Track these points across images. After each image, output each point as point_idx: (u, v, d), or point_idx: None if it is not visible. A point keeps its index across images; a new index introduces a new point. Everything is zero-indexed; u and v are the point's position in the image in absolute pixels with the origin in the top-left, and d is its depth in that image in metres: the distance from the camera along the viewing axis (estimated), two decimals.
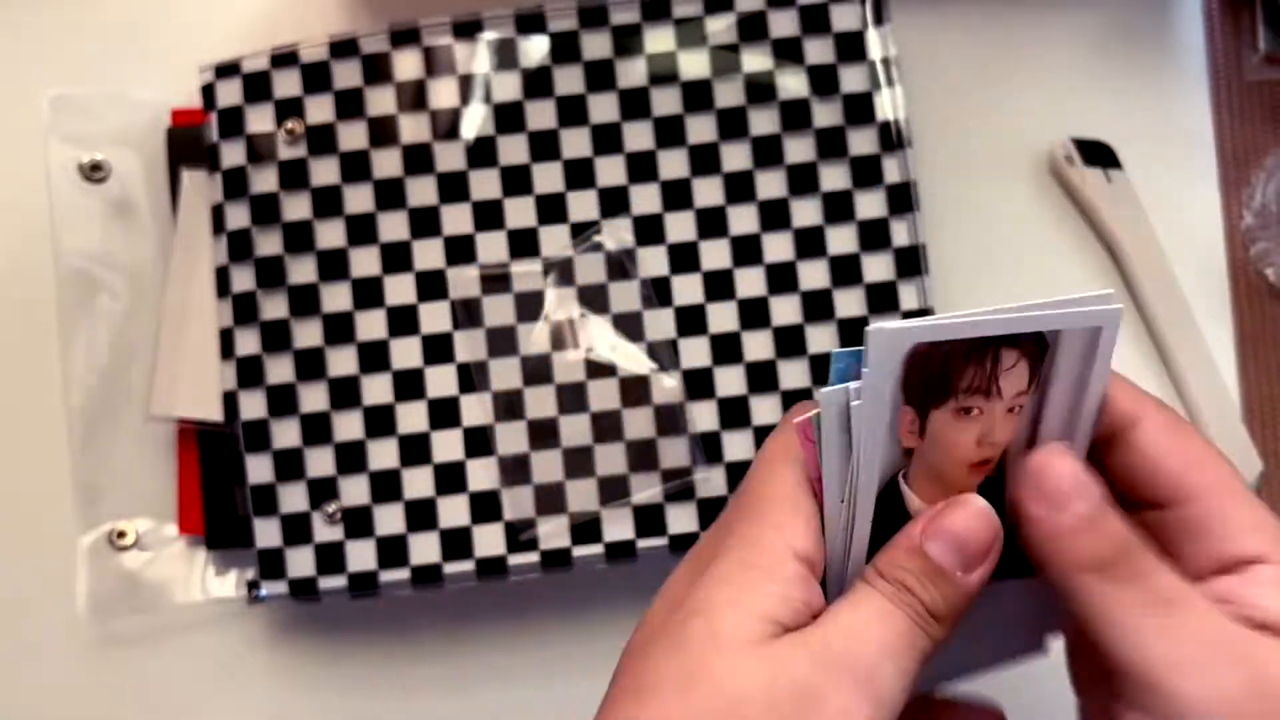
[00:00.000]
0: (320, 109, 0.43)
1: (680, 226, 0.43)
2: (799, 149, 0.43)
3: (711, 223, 0.43)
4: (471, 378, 0.42)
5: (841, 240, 0.43)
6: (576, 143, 0.43)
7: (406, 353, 0.43)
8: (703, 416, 0.42)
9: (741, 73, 0.43)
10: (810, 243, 0.43)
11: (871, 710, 0.25)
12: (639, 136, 0.43)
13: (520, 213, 0.43)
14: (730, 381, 0.42)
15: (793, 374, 0.43)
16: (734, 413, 0.42)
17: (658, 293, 0.43)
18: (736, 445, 0.42)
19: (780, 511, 0.27)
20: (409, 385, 0.42)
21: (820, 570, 0.28)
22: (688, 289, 0.43)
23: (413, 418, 0.42)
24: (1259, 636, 0.25)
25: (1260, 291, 0.48)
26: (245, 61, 0.43)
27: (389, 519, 0.42)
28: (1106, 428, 0.28)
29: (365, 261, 0.43)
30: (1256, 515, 0.26)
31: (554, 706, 0.45)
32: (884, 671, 0.25)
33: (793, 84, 0.43)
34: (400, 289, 0.43)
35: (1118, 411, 0.28)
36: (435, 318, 0.43)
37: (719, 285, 0.43)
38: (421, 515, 0.42)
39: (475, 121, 0.43)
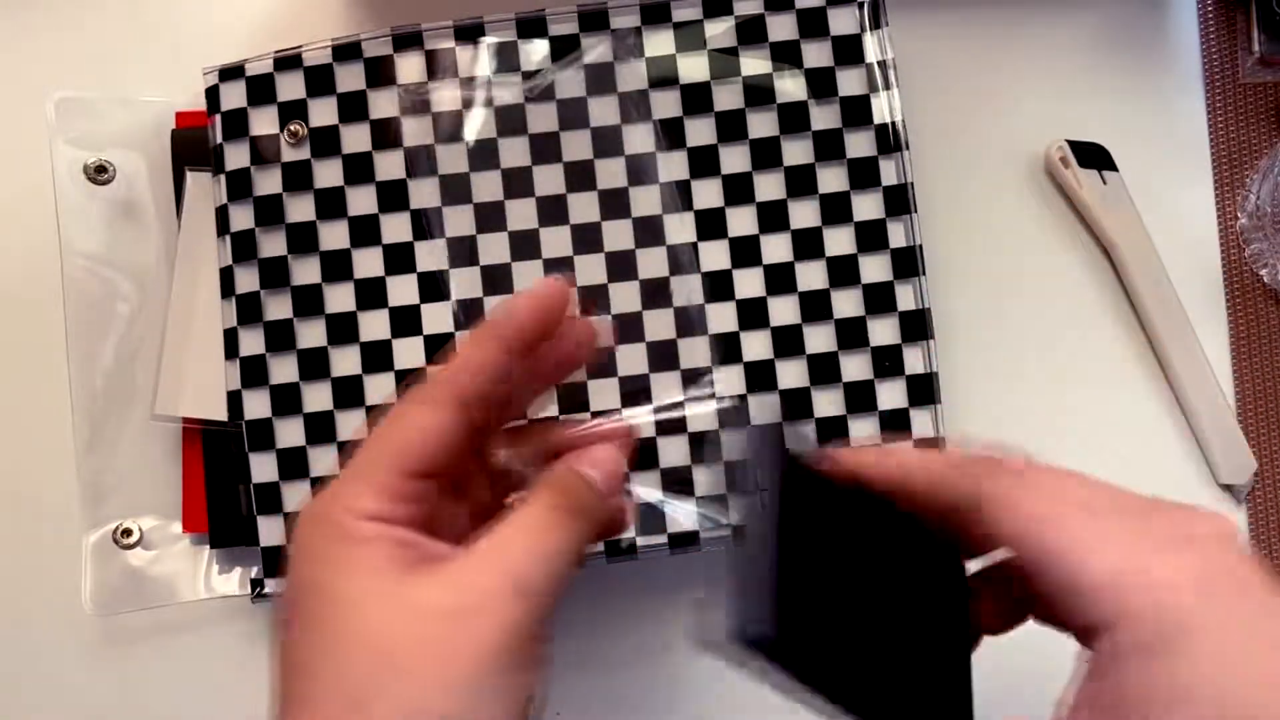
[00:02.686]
0: (323, 111, 0.43)
1: (679, 228, 0.43)
2: (797, 151, 0.43)
3: (710, 224, 0.43)
4: None
5: (839, 241, 0.43)
6: (577, 145, 0.43)
7: (409, 353, 0.43)
8: (702, 416, 0.43)
9: (740, 76, 0.43)
10: (808, 244, 0.43)
11: (523, 610, 0.27)
12: (639, 139, 0.43)
13: (522, 214, 0.43)
14: (730, 381, 0.43)
15: (791, 374, 0.43)
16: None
17: (656, 293, 0.43)
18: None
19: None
20: None
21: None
22: (687, 290, 0.43)
23: None
24: None
25: (1254, 292, 0.49)
26: (249, 64, 0.43)
27: None
28: (951, 519, 0.28)
29: (368, 262, 0.43)
30: (1104, 568, 0.25)
31: (555, 703, 0.45)
32: (531, 571, 0.27)
33: (791, 87, 0.43)
34: (403, 290, 0.43)
35: (953, 498, 0.28)
36: (437, 318, 0.43)
37: (719, 286, 0.43)
38: None
39: (477, 124, 0.43)
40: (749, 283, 0.43)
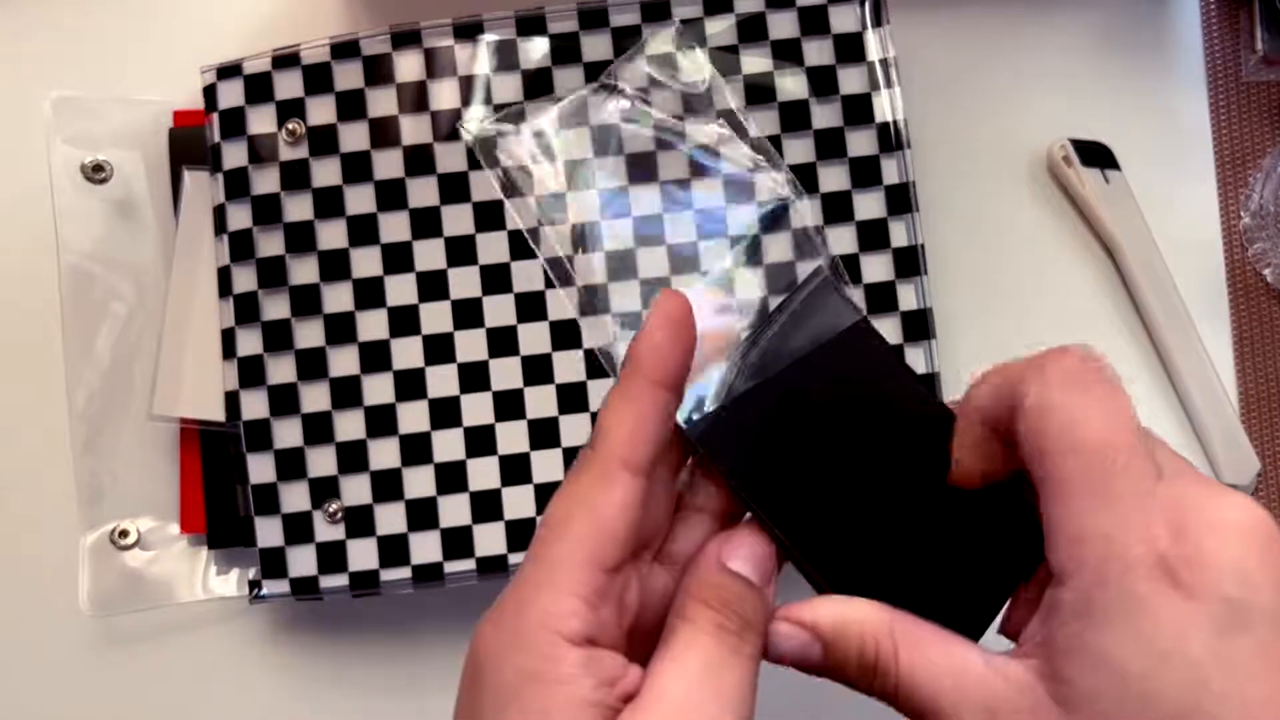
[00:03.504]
0: (321, 110, 0.43)
1: (680, 227, 0.43)
2: (798, 150, 0.43)
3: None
4: (473, 377, 0.43)
5: (841, 241, 0.43)
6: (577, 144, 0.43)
7: (408, 353, 0.43)
8: None
9: (741, 74, 0.43)
10: None
11: None
12: (639, 138, 0.43)
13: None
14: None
15: None
16: None
17: (656, 293, 0.43)
18: None
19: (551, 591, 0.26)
20: (410, 385, 0.43)
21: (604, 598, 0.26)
22: (686, 289, 0.43)
23: (414, 417, 0.42)
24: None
25: (1258, 292, 0.49)
26: (247, 63, 0.43)
27: (390, 518, 0.42)
28: (992, 417, 0.27)
29: (366, 262, 0.43)
30: (1083, 526, 0.24)
31: None
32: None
33: (792, 85, 0.43)
34: (401, 289, 0.43)
35: (997, 400, 0.27)
36: (436, 318, 0.43)
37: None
38: (422, 514, 0.42)
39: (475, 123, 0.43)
40: (748, 283, 0.43)
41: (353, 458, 0.42)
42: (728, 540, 0.28)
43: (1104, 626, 0.23)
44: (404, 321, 0.43)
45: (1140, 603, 0.23)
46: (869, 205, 0.43)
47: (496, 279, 0.43)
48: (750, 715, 0.26)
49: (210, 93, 0.44)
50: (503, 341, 0.43)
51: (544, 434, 0.42)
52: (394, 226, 0.43)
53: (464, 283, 0.43)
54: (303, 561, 0.42)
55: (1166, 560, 0.23)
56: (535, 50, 0.43)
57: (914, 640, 0.26)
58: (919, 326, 0.43)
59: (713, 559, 0.27)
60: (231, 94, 0.43)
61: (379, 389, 0.43)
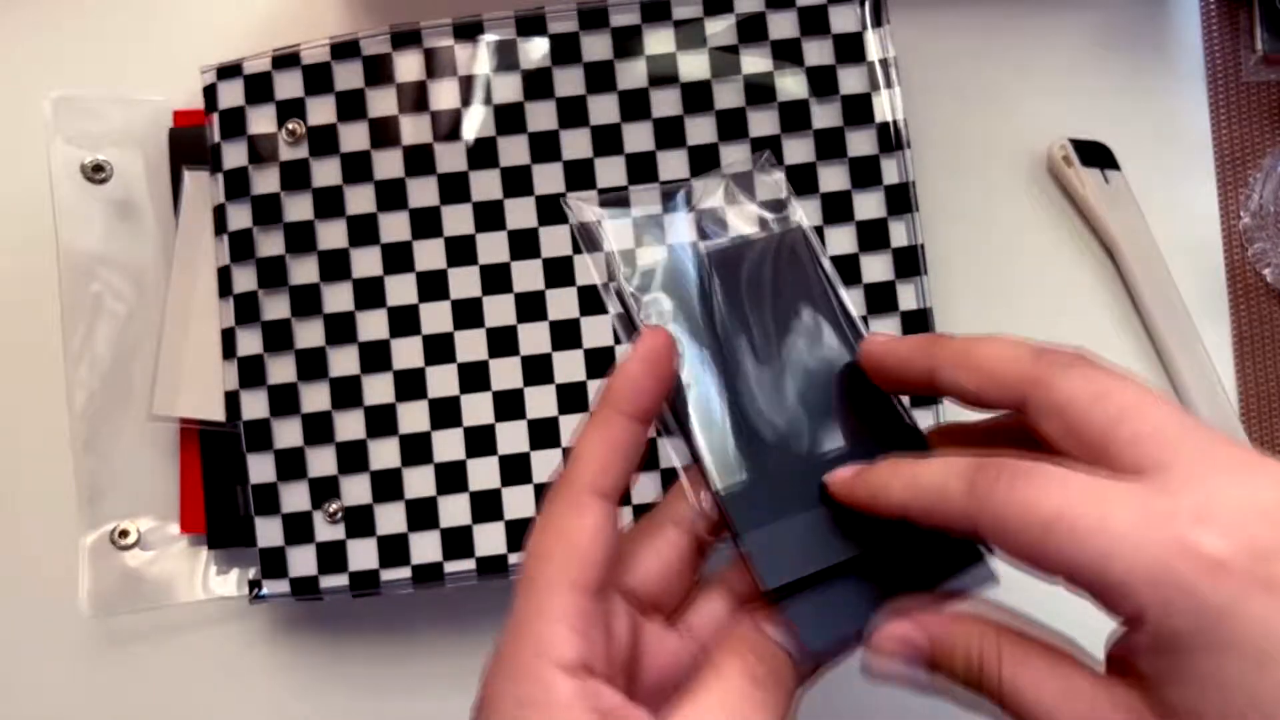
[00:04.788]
0: (321, 110, 0.43)
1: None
2: (798, 150, 0.43)
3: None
4: (473, 377, 0.43)
5: (841, 241, 0.43)
6: (577, 144, 0.43)
7: (408, 353, 0.43)
8: None
9: (741, 74, 0.43)
10: None
11: None
12: (639, 137, 0.43)
13: (521, 213, 0.43)
14: None
15: None
16: None
17: None
18: None
19: (543, 624, 0.26)
20: (410, 385, 0.43)
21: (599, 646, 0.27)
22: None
23: (414, 417, 0.42)
24: None
25: (1258, 291, 0.49)
26: (247, 63, 0.43)
27: (390, 518, 0.42)
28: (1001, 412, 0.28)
29: (367, 262, 0.43)
30: (1124, 570, 0.23)
31: None
32: None
33: (792, 85, 0.43)
34: (401, 289, 0.43)
35: (1003, 395, 0.28)
36: (436, 318, 0.43)
37: None
38: (422, 514, 0.42)
39: (476, 123, 0.43)
40: None
41: (353, 458, 0.42)
42: (768, 616, 0.28)
43: (1192, 652, 0.23)
44: (404, 321, 0.43)
45: (1218, 615, 0.22)
46: (869, 205, 0.43)
47: (496, 279, 0.43)
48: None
49: (210, 93, 0.44)
50: (503, 341, 0.43)
51: (544, 434, 0.42)
52: (394, 226, 0.43)
53: (464, 283, 0.43)
54: (303, 561, 0.42)
55: (1227, 565, 0.22)
56: (535, 50, 0.43)
57: (1021, 655, 0.26)
58: (919, 326, 0.43)
59: (750, 620, 0.28)
60: (231, 94, 0.43)
61: (379, 389, 0.43)
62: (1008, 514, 0.25)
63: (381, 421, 0.42)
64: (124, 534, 0.45)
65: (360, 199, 0.43)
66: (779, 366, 0.32)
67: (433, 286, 0.43)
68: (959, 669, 0.26)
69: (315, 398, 0.43)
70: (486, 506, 0.42)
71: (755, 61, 0.43)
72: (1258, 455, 0.24)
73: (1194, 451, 0.24)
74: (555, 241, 0.43)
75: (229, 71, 0.43)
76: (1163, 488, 0.24)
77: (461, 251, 0.43)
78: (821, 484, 0.30)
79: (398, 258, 0.43)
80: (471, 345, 0.43)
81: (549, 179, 0.43)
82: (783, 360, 0.32)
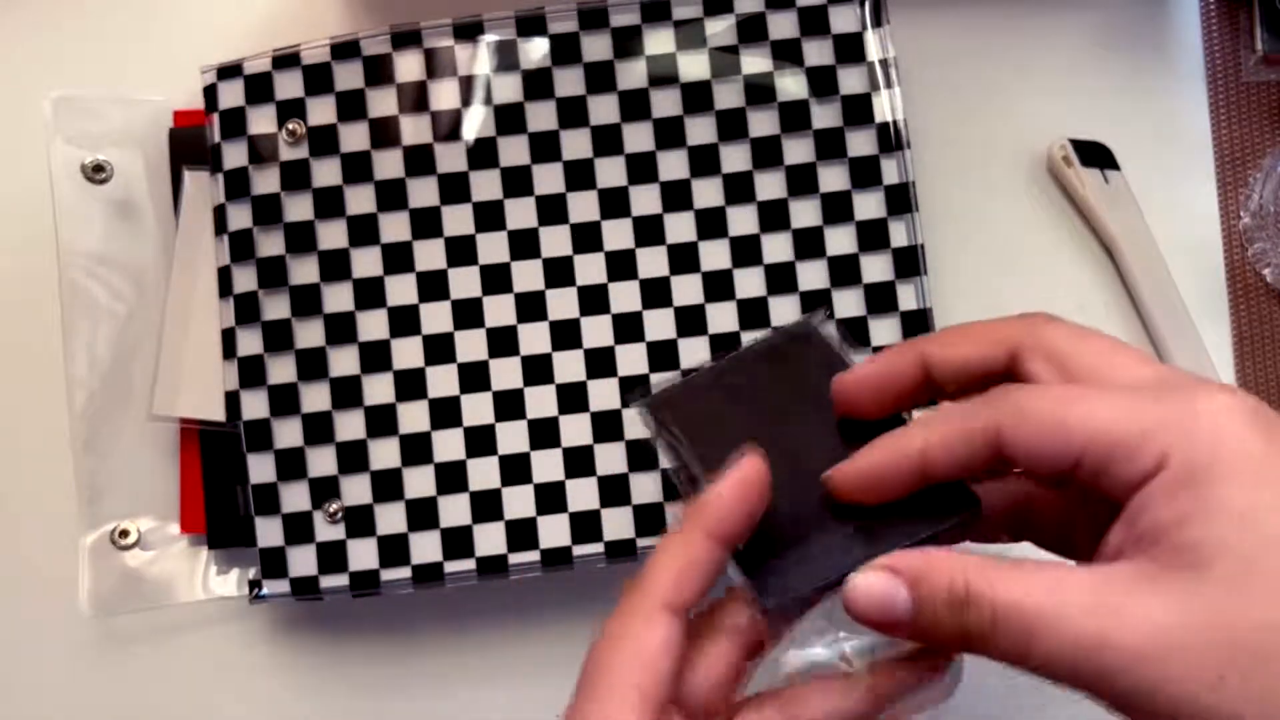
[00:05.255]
0: (322, 110, 0.43)
1: (680, 227, 0.43)
2: (798, 150, 0.43)
3: (711, 223, 0.43)
4: (473, 377, 0.43)
5: (840, 241, 0.43)
6: (577, 144, 0.43)
7: (408, 353, 0.43)
8: None
9: (741, 74, 0.43)
10: (809, 243, 0.43)
11: None
12: (639, 138, 0.43)
13: (521, 214, 0.43)
14: None
15: None
16: None
17: (657, 293, 0.43)
18: None
19: None
20: (410, 385, 0.43)
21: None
22: (688, 289, 0.43)
23: (414, 417, 0.42)
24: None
25: (1258, 291, 0.49)
26: (247, 63, 0.43)
27: (390, 518, 0.42)
28: (966, 457, 0.28)
29: (367, 262, 0.43)
30: (1140, 424, 0.25)
31: (555, 705, 0.45)
32: None
33: (792, 85, 0.43)
34: (401, 289, 0.43)
35: (965, 437, 0.28)
36: (436, 318, 0.43)
37: (719, 286, 0.43)
38: (423, 514, 0.42)
39: (476, 123, 0.43)
40: (750, 282, 0.43)
41: (353, 458, 0.42)
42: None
43: (1217, 482, 0.24)
44: (404, 321, 0.43)
45: (1244, 450, 0.24)
46: (869, 205, 0.43)
47: (496, 279, 0.43)
48: None
49: (210, 93, 0.44)
50: (503, 341, 0.43)
51: (544, 434, 0.42)
52: (394, 226, 0.43)
53: (464, 283, 0.43)
54: (303, 561, 0.42)
55: (1228, 410, 0.25)
56: (535, 50, 0.43)
57: (1004, 569, 0.26)
58: (919, 326, 0.43)
59: None
60: (232, 94, 0.43)
61: (379, 389, 0.43)
62: (1028, 402, 0.26)
63: (381, 421, 0.42)
64: (124, 534, 0.45)
65: (360, 199, 0.43)
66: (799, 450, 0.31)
67: (433, 286, 0.43)
68: (941, 600, 0.26)
69: (315, 398, 0.43)
70: (486, 506, 0.42)
71: (755, 61, 0.43)
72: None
73: (1182, 373, 0.27)
74: (555, 241, 0.43)
75: (229, 71, 0.43)
76: (1158, 388, 0.26)
77: (461, 251, 0.43)
78: (824, 509, 0.30)
79: (398, 258, 0.43)
80: (471, 345, 0.43)
81: (549, 179, 0.43)
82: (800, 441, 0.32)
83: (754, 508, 0.29)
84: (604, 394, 0.42)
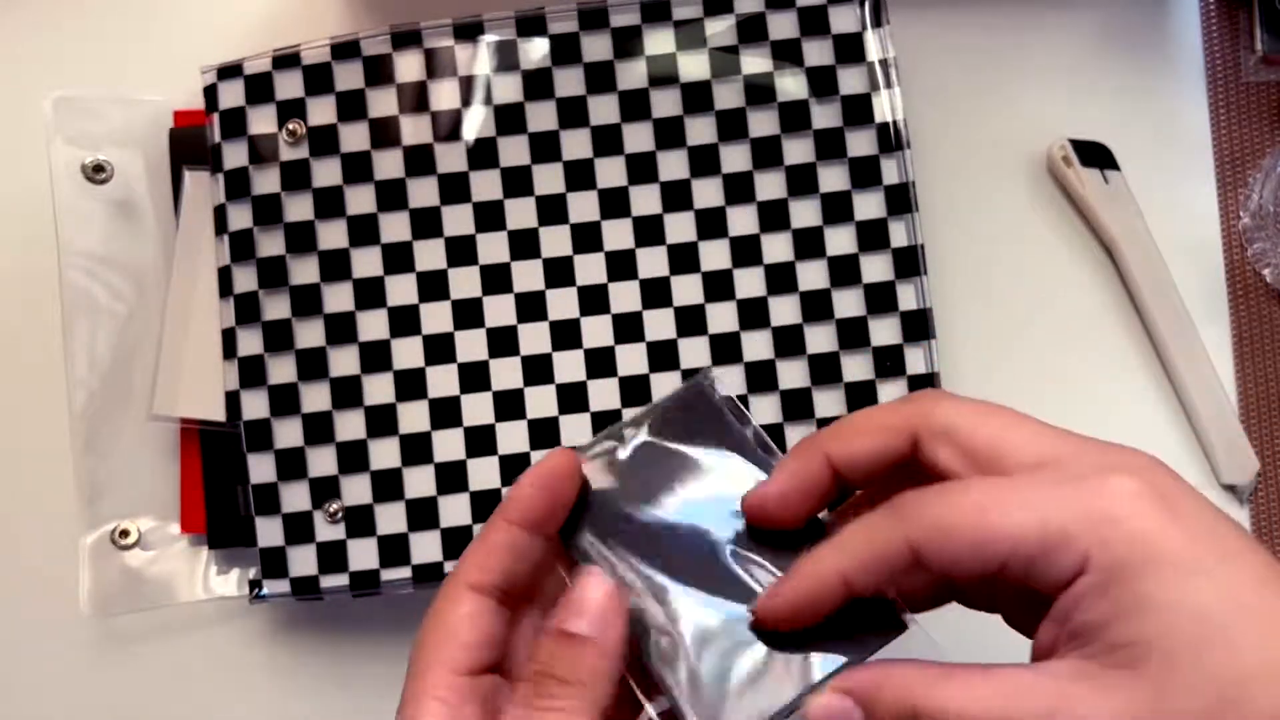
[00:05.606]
0: (322, 110, 0.43)
1: (680, 227, 0.43)
2: (798, 150, 0.43)
3: (711, 223, 0.43)
4: (473, 377, 0.43)
5: (840, 241, 0.43)
6: (577, 144, 0.43)
7: (408, 353, 0.43)
8: None
9: (741, 74, 0.43)
10: (809, 243, 0.43)
11: None
12: (639, 138, 0.43)
13: (521, 214, 0.43)
14: (730, 381, 0.43)
15: (792, 374, 0.43)
16: None
17: (657, 293, 0.43)
18: None
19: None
20: (410, 385, 0.43)
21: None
22: (687, 289, 0.43)
23: (414, 417, 0.42)
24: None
25: (1257, 292, 0.49)
26: (247, 63, 0.43)
27: (390, 518, 0.42)
28: (885, 576, 0.28)
29: (367, 262, 0.43)
30: (1060, 525, 0.26)
31: None
32: None
33: (792, 86, 0.43)
34: (402, 289, 0.43)
35: (881, 559, 0.28)
36: (436, 318, 0.43)
37: (718, 286, 0.43)
38: (423, 514, 0.42)
39: (476, 123, 0.43)
40: (749, 282, 0.43)
41: (353, 458, 0.42)
42: (561, 606, 0.29)
43: (1137, 580, 0.25)
44: (404, 321, 0.43)
45: (1144, 539, 0.25)
46: (869, 205, 0.43)
47: (496, 279, 0.43)
48: None
49: (210, 93, 0.44)
50: (503, 341, 0.43)
51: (544, 434, 0.42)
52: (394, 226, 0.43)
53: (464, 283, 0.43)
54: (303, 561, 0.42)
55: (1141, 497, 0.25)
56: (535, 50, 0.43)
57: (947, 674, 0.26)
58: (919, 326, 0.43)
59: (544, 634, 0.29)
60: (232, 94, 0.43)
61: (379, 389, 0.43)
62: (943, 517, 0.27)
63: (381, 421, 0.42)
64: (124, 534, 0.45)
65: (360, 199, 0.43)
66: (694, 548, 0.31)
67: (433, 286, 0.43)
68: (890, 710, 0.27)
69: (315, 398, 0.43)
70: (487, 506, 0.42)
71: (755, 62, 0.43)
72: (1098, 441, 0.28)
73: (1077, 442, 0.28)
74: (555, 241, 0.43)
75: (229, 71, 0.43)
76: (1061, 469, 0.27)
77: (461, 251, 0.43)
78: (750, 634, 0.30)
79: (398, 258, 0.43)
80: (471, 345, 0.43)
81: (549, 179, 0.43)
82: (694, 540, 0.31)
83: (560, 498, 0.30)
84: (604, 394, 0.42)
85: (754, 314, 0.43)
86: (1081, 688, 0.25)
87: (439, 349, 0.43)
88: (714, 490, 0.31)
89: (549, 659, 0.28)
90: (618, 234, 0.43)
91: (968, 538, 0.26)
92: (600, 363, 0.43)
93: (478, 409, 0.43)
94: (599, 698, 0.28)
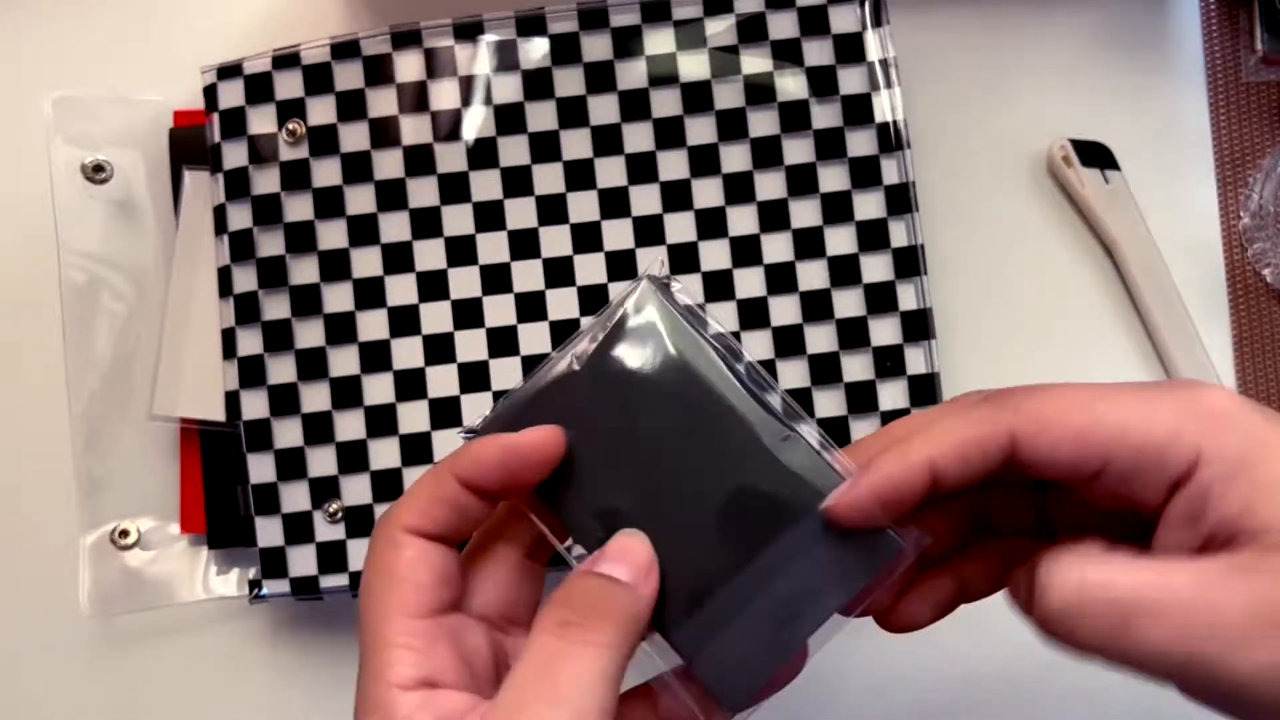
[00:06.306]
0: (322, 110, 0.43)
1: (680, 227, 0.43)
2: (798, 150, 0.43)
3: (711, 223, 0.43)
4: (473, 377, 0.43)
5: (840, 241, 0.43)
6: (577, 144, 0.43)
7: (408, 353, 0.43)
8: None
9: (741, 74, 0.43)
10: (809, 243, 0.43)
11: None
12: (639, 138, 0.43)
13: (521, 214, 0.43)
14: None
15: (792, 374, 0.43)
16: None
17: None
18: None
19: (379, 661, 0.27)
20: (410, 385, 0.43)
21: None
22: (687, 289, 0.43)
23: (414, 417, 0.42)
24: None
25: (1257, 292, 0.49)
26: (247, 63, 0.43)
27: None
28: (977, 466, 0.27)
29: (367, 262, 0.43)
30: (1167, 423, 0.26)
31: None
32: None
33: (792, 85, 0.43)
34: (401, 289, 0.43)
35: (978, 444, 0.27)
36: (436, 318, 0.43)
37: (718, 285, 0.43)
38: None
39: (476, 123, 0.43)
40: (749, 282, 0.43)
41: (353, 458, 0.42)
42: (598, 556, 0.28)
43: (1260, 465, 0.25)
44: (404, 321, 0.43)
45: (1264, 432, 0.25)
46: (869, 205, 0.43)
47: (496, 279, 0.43)
48: (603, 705, 0.25)
49: (210, 93, 0.44)
50: (503, 341, 0.43)
51: None
52: (394, 226, 0.43)
53: (464, 283, 0.43)
54: (303, 561, 0.42)
55: (1237, 403, 0.26)
56: (535, 50, 0.43)
57: (1113, 549, 0.26)
58: (919, 326, 0.43)
59: (578, 571, 0.28)
60: (232, 94, 0.43)
61: (379, 389, 0.43)
62: (1048, 406, 0.26)
63: (381, 421, 0.42)
64: (124, 534, 0.45)
65: (360, 199, 0.43)
66: (681, 464, 0.29)
67: (433, 286, 0.43)
68: (1044, 564, 0.26)
69: (315, 398, 0.43)
70: None
71: (755, 61, 0.43)
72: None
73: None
74: (555, 241, 0.43)
75: (229, 71, 0.43)
76: (1158, 386, 0.27)
77: (461, 251, 0.43)
78: (753, 576, 0.28)
79: (398, 258, 0.43)
80: (471, 345, 0.43)
81: (549, 179, 0.43)
82: (683, 457, 0.29)
83: (516, 478, 0.28)
84: None
85: (754, 314, 0.43)
86: (1227, 579, 0.24)
87: (439, 349, 0.43)
88: (664, 409, 0.29)
89: (583, 594, 0.26)
90: (618, 234, 0.43)
91: (1074, 427, 0.26)
92: None
93: (478, 409, 0.42)
94: (631, 641, 0.26)
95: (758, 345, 0.43)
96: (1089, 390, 0.27)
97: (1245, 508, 0.25)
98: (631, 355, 0.30)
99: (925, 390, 0.43)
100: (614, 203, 0.43)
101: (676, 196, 0.43)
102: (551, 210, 0.43)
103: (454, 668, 0.27)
